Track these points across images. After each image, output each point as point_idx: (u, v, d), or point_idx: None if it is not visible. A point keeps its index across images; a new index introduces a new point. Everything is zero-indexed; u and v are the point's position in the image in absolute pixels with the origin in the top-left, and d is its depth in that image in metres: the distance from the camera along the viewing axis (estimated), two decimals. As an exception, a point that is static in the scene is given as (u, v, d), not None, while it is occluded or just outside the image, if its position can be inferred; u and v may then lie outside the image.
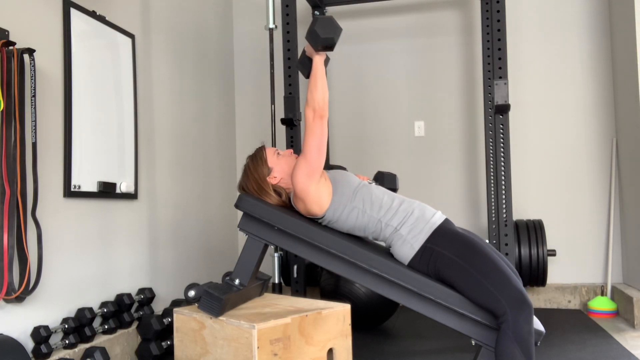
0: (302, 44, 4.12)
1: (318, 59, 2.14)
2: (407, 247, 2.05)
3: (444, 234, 2.03)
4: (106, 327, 2.62)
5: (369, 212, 2.09)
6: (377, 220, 2.09)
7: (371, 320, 3.31)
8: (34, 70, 2.20)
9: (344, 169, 2.64)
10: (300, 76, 3.57)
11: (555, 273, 3.97)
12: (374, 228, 2.11)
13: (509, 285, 1.88)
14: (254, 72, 4.53)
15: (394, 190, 2.42)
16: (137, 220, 3.08)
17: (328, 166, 2.43)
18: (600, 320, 3.51)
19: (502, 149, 3.22)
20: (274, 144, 3.57)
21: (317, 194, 2.09)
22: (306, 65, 2.23)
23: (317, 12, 4.03)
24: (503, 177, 3.22)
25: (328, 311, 2.17)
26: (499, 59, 3.16)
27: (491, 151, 3.57)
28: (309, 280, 3.61)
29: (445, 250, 1.99)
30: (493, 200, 3.51)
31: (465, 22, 4.22)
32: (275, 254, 3.42)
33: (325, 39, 2.08)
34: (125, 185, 2.90)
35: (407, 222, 2.06)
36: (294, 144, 3.40)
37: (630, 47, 3.50)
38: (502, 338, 1.83)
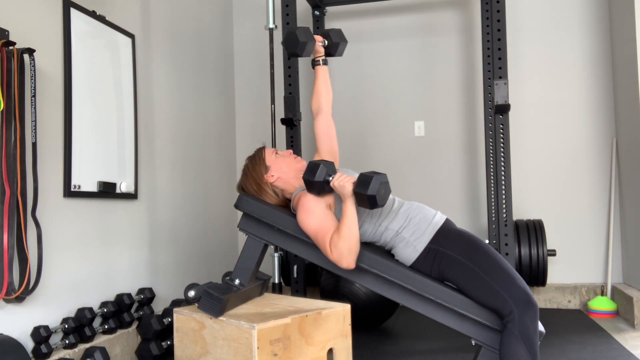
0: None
1: (352, 206, 1.94)
2: (410, 249, 2.04)
3: (446, 234, 2.03)
4: (106, 327, 2.62)
5: (370, 220, 2.09)
6: (378, 224, 2.09)
7: (371, 320, 3.31)
8: (34, 70, 2.20)
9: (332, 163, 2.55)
10: (301, 76, 3.57)
11: (555, 273, 3.97)
12: (375, 232, 2.10)
13: (515, 284, 1.88)
14: (254, 72, 4.53)
15: (344, 43, 2.37)
16: (137, 220, 3.08)
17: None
18: (600, 320, 3.51)
19: (502, 149, 3.22)
20: (274, 144, 3.57)
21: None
22: (321, 186, 2.02)
23: (317, 12, 4.03)
24: (503, 177, 3.22)
25: (328, 311, 2.17)
26: (499, 59, 3.16)
27: (491, 151, 3.57)
28: (309, 280, 3.60)
29: (449, 251, 1.99)
30: (493, 200, 3.51)
31: (465, 22, 4.22)
32: (275, 254, 3.42)
33: (378, 204, 1.90)
34: (125, 185, 2.90)
35: (409, 225, 2.06)
36: (294, 144, 3.40)
37: (630, 47, 3.50)
38: (508, 337, 1.83)
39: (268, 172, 2.20)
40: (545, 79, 4.07)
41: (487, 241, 3.43)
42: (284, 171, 2.20)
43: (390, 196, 2.14)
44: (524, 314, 1.83)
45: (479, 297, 1.94)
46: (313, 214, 2.01)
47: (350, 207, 1.94)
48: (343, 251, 1.93)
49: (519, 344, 1.81)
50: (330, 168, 2.01)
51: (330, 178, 1.99)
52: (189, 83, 3.79)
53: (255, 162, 2.22)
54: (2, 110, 2.10)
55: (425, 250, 2.02)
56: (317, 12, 4.03)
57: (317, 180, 1.98)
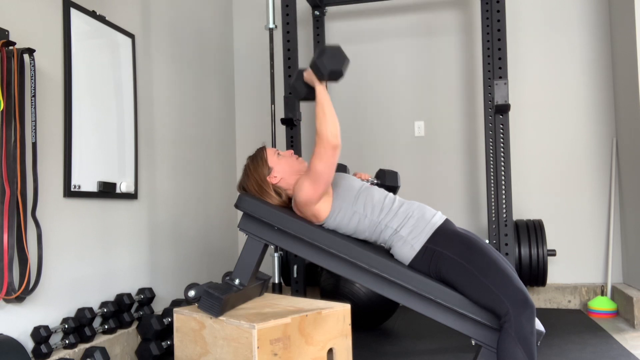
0: (303, 44, 4.15)
1: (322, 89, 2.05)
2: (407, 248, 2.04)
3: (444, 234, 2.03)
4: (106, 327, 2.62)
5: (370, 216, 2.09)
6: (377, 223, 2.09)
7: (371, 320, 3.31)
8: (34, 70, 2.20)
9: (345, 166, 2.63)
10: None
11: (555, 273, 3.97)
12: (374, 230, 2.10)
13: (511, 285, 1.87)
14: (254, 72, 4.53)
15: (396, 187, 2.42)
16: (137, 220, 3.08)
17: None
18: (600, 320, 3.51)
19: (502, 149, 3.22)
20: (274, 144, 3.57)
21: (316, 209, 2.09)
22: (301, 89, 2.12)
23: (317, 12, 4.03)
24: (503, 177, 3.22)
25: (328, 311, 2.17)
26: (499, 59, 3.16)
27: (491, 151, 3.57)
28: (309, 280, 3.61)
29: (446, 251, 1.98)
30: (493, 200, 3.51)
31: (465, 22, 4.22)
32: (275, 254, 3.42)
33: (332, 71, 1.99)
34: (125, 185, 2.90)
35: (408, 224, 2.06)
36: (294, 144, 3.40)
37: (630, 47, 3.50)
38: (504, 338, 1.83)
39: (271, 174, 2.20)
40: (546, 78, 4.07)
41: (487, 241, 3.45)
42: (287, 172, 2.20)
43: (391, 195, 2.15)
44: (520, 314, 1.83)
45: (475, 298, 1.94)
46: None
47: (319, 88, 2.05)
48: (323, 131, 1.99)
49: (516, 345, 1.81)
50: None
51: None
52: (189, 83, 3.79)
53: (257, 164, 2.22)
54: (2, 110, 2.10)
55: (422, 250, 2.02)
56: (317, 12, 4.04)
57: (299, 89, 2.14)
